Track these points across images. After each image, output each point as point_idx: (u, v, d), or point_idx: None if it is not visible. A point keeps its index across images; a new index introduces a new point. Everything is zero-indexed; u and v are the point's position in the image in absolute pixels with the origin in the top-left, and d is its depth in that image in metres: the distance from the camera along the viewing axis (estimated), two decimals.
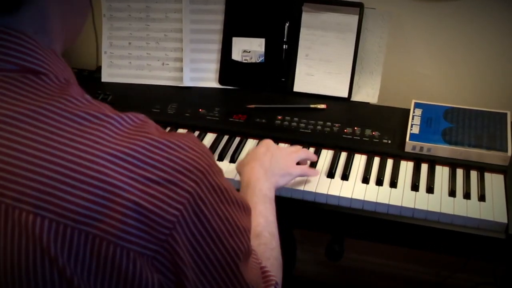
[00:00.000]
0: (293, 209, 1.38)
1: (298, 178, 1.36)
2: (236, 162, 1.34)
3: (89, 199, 0.66)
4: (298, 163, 1.35)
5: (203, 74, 1.73)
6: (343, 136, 1.50)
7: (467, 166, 1.41)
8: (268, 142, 1.32)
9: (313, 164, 1.42)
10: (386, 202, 1.32)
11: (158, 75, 1.75)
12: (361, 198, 1.33)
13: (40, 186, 0.66)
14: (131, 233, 0.67)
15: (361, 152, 1.47)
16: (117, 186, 0.66)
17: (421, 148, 1.43)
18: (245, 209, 0.81)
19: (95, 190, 0.66)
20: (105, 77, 1.77)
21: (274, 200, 1.18)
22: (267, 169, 1.22)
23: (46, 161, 0.67)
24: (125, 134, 0.70)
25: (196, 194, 0.70)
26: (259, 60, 1.69)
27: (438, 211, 1.29)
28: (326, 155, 1.46)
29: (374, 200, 1.33)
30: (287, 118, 1.56)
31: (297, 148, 1.37)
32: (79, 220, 0.66)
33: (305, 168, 1.35)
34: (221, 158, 1.47)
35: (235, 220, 0.76)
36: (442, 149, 1.42)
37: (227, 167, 1.44)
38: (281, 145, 1.49)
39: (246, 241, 0.79)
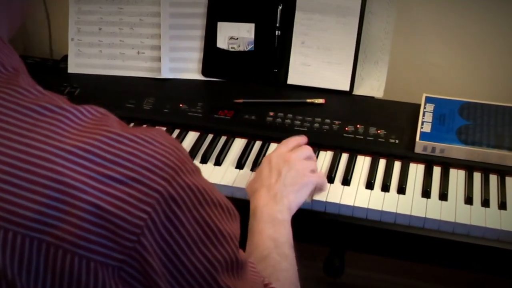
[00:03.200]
0: None
1: None
2: (247, 184, 1.33)
3: (41, 202, 0.65)
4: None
5: (184, 64, 1.73)
6: (344, 135, 1.50)
7: (486, 169, 1.41)
8: (269, 159, 1.31)
9: None
10: (393, 210, 1.31)
11: (133, 66, 1.75)
12: (365, 206, 1.33)
13: None
14: (91, 240, 0.66)
15: (364, 153, 1.46)
16: (73, 186, 0.65)
17: (433, 149, 1.43)
18: (231, 213, 0.80)
19: (48, 192, 0.65)
20: (72, 68, 1.76)
21: (289, 221, 1.20)
22: (276, 192, 1.23)
23: None
24: (82, 128, 0.69)
25: (167, 194, 0.69)
26: (248, 48, 1.69)
27: (453, 220, 1.29)
28: (325, 157, 1.45)
29: (380, 208, 1.32)
30: (280, 114, 1.56)
31: (305, 150, 1.34)
32: (31, 226, 0.65)
33: (321, 175, 1.35)
34: (204, 160, 1.46)
35: (216, 224, 0.75)
36: (457, 150, 1.42)
37: (211, 171, 1.43)
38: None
39: (232, 248, 0.78)
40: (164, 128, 1.54)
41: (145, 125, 1.54)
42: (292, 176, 1.26)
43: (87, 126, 0.70)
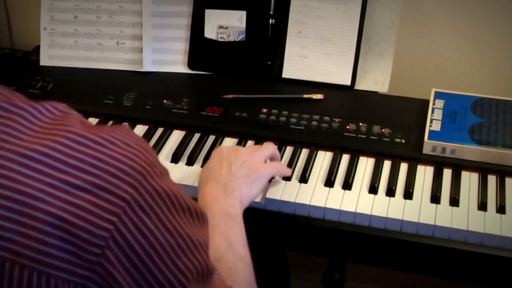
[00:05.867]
0: (282, 226, 1.38)
1: (288, 187, 1.36)
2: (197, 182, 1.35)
3: None
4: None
5: (168, 56, 1.73)
6: (345, 134, 1.50)
7: (501, 172, 1.41)
8: (220, 150, 1.34)
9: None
10: (399, 217, 1.31)
11: (112, 58, 1.75)
12: (368, 212, 1.32)
13: None
14: (52, 255, 0.66)
15: (367, 154, 1.46)
16: (31, 195, 0.65)
17: (443, 149, 1.43)
18: (199, 218, 0.81)
19: (3, 202, 0.65)
20: (45, 60, 1.76)
21: (242, 216, 1.21)
22: (226, 184, 1.25)
23: None
24: (40, 129, 0.69)
25: (134, 201, 0.69)
26: (238, 39, 1.69)
27: (465, 228, 1.29)
28: (324, 158, 1.45)
29: (384, 215, 1.32)
30: (274, 111, 1.56)
31: (256, 146, 1.39)
32: None
33: (277, 164, 1.37)
34: (190, 162, 1.46)
35: (187, 232, 0.76)
36: (470, 151, 1.42)
37: (198, 173, 1.41)
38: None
39: (203, 256, 0.79)
40: (147, 127, 1.55)
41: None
42: (245, 168, 1.29)
43: (46, 126, 0.70)
